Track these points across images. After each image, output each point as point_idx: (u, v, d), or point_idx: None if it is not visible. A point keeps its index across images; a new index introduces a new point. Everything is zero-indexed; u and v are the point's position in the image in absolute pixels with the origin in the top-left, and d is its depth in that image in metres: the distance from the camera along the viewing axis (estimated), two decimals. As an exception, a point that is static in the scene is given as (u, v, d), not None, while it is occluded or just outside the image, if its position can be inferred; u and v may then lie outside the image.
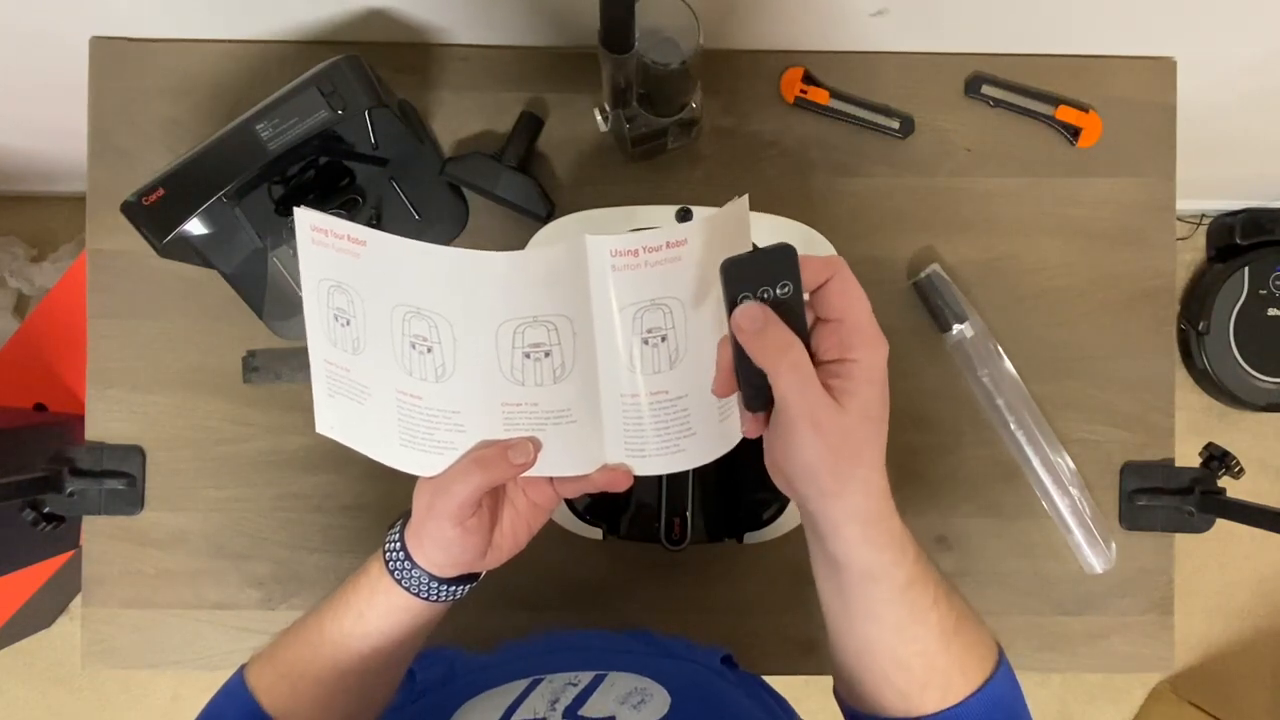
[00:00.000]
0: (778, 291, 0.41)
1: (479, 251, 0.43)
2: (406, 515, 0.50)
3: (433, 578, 0.49)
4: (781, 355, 0.40)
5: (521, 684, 0.52)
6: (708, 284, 0.44)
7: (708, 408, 0.47)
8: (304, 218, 0.46)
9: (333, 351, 0.49)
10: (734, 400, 0.47)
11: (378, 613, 0.50)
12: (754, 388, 0.43)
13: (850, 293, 0.41)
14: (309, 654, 0.51)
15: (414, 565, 0.49)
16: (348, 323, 0.47)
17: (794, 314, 0.41)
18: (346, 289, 0.47)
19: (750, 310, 0.40)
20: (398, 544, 0.50)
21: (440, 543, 0.48)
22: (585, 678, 0.52)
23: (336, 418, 0.51)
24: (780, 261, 0.40)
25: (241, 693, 0.50)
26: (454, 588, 0.50)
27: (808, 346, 0.41)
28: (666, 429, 0.47)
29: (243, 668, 0.52)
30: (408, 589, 0.49)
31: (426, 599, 0.50)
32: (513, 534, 0.51)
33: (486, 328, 0.45)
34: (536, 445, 0.47)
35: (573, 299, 0.44)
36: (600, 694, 0.51)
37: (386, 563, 0.50)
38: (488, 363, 0.46)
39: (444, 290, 0.45)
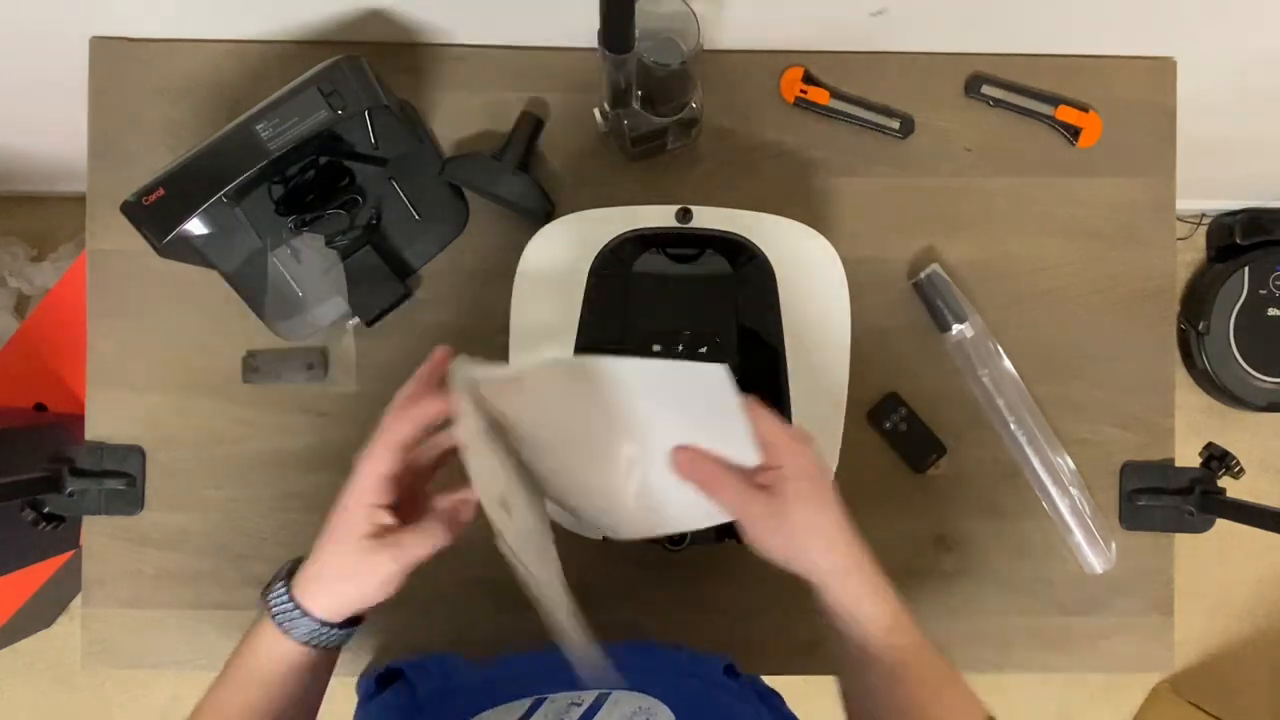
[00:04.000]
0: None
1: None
2: (288, 573, 0.52)
3: (329, 627, 0.51)
4: (712, 480, 0.49)
5: (524, 704, 0.52)
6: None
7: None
8: (462, 374, 0.48)
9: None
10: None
11: (281, 678, 0.51)
12: None
13: (760, 422, 0.49)
14: None
15: (309, 617, 0.50)
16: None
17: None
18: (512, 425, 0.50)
19: (679, 454, 0.50)
20: (288, 603, 0.51)
21: (367, 597, 0.51)
22: (588, 698, 0.52)
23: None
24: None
25: None
26: (346, 631, 0.52)
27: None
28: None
29: None
30: (308, 644, 0.50)
31: (325, 647, 0.51)
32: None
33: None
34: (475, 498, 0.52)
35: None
36: (604, 714, 0.51)
37: (282, 625, 0.50)
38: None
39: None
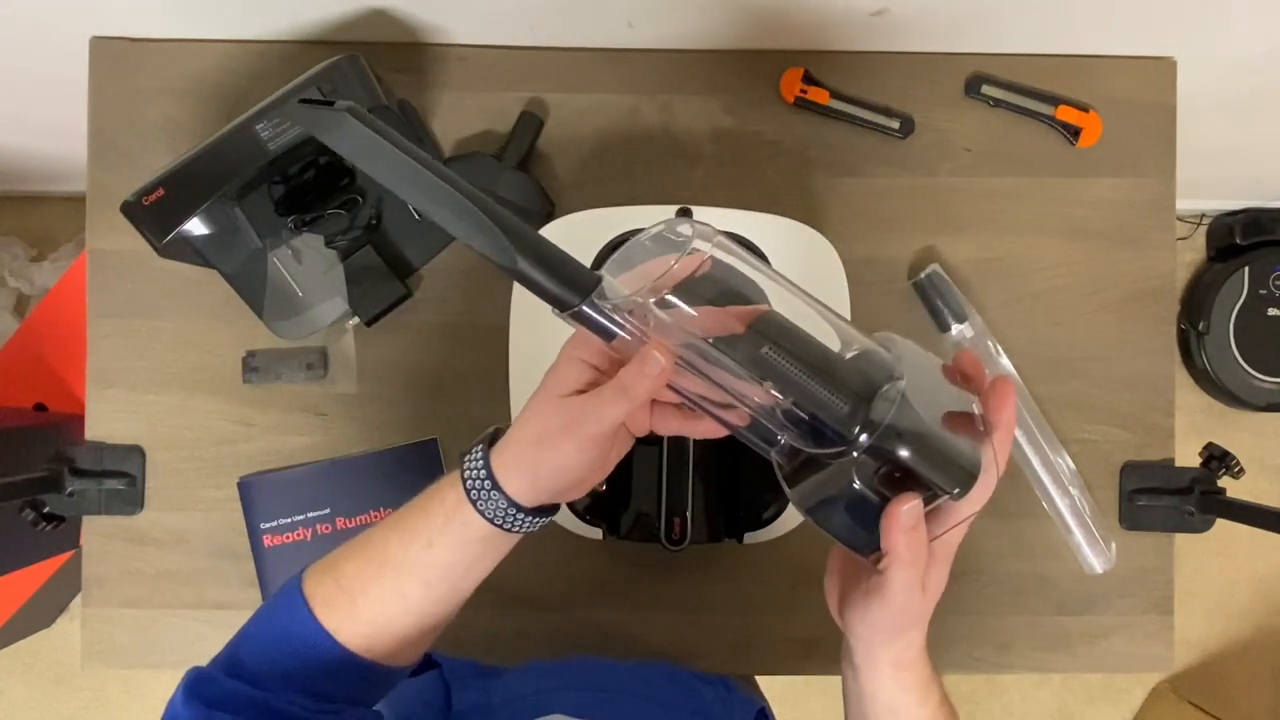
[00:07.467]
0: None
1: None
2: (489, 440, 0.48)
3: (516, 507, 0.47)
4: (915, 557, 0.45)
5: None
6: None
7: None
8: None
9: None
10: None
11: (450, 542, 0.47)
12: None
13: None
14: (373, 572, 0.49)
15: (499, 493, 0.46)
16: None
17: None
18: None
19: (915, 510, 0.44)
20: (482, 470, 0.47)
21: (561, 468, 0.46)
22: None
23: None
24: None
25: (298, 600, 0.49)
26: (534, 519, 0.48)
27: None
28: None
29: (299, 576, 0.50)
30: (489, 518, 0.47)
31: (505, 529, 0.47)
32: (604, 466, 0.49)
33: None
34: (665, 354, 0.45)
35: None
36: None
37: (468, 490, 0.47)
38: None
39: None
